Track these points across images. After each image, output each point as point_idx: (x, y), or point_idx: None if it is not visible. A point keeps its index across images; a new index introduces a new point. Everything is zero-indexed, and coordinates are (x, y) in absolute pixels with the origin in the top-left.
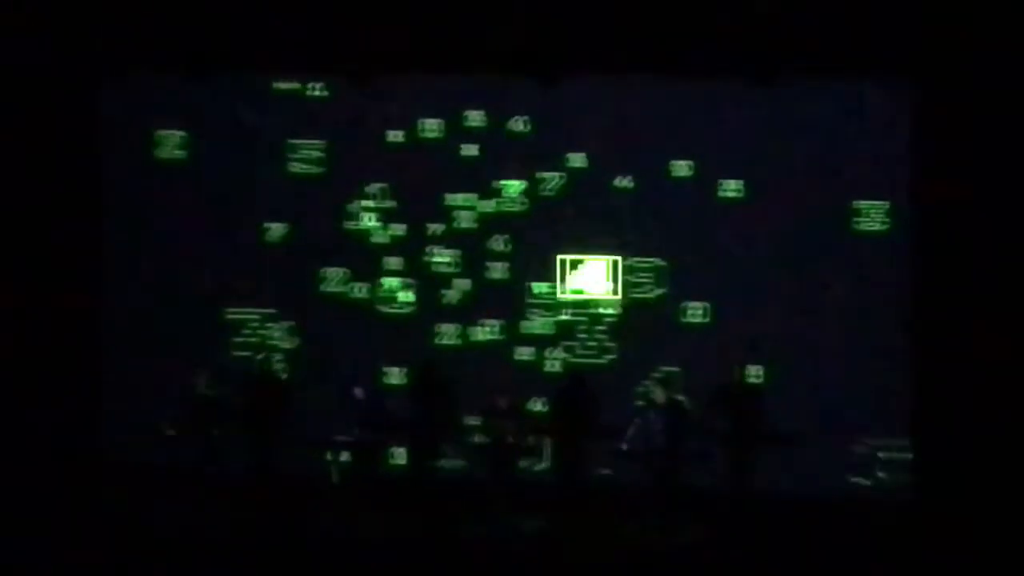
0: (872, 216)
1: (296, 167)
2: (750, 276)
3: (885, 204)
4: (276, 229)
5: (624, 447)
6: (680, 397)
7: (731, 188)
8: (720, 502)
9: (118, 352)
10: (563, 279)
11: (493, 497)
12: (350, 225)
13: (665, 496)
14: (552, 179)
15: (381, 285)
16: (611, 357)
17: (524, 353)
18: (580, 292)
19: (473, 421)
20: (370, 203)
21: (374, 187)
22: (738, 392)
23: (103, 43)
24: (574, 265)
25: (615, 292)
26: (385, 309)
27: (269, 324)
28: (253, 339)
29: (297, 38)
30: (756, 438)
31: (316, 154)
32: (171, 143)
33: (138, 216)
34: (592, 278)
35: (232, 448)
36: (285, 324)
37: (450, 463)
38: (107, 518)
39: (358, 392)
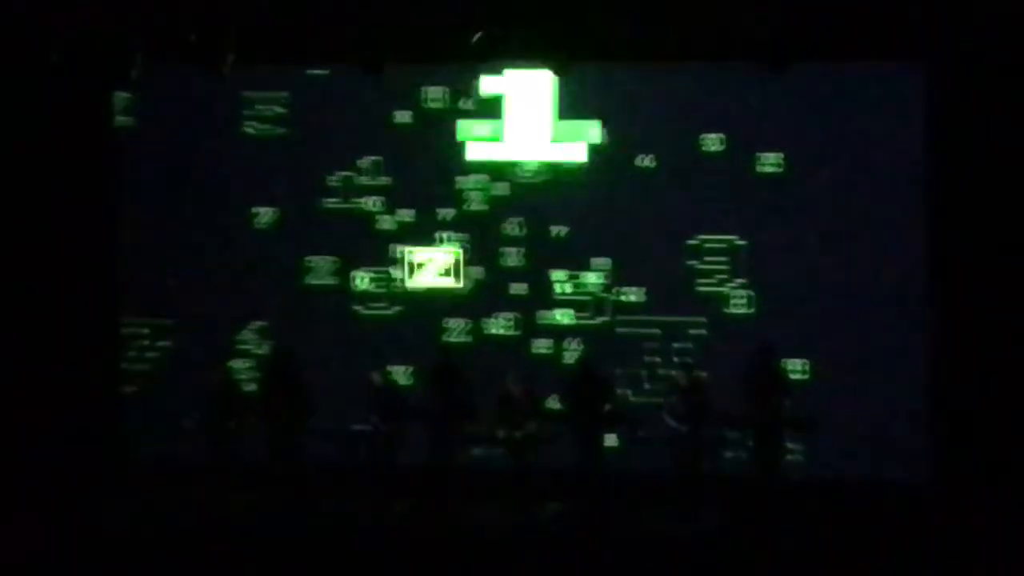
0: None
1: (251, 127)
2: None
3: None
4: (265, 214)
5: (640, 433)
6: (703, 379)
7: (770, 162)
8: (741, 487)
9: (137, 345)
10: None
11: (510, 485)
12: (331, 203)
13: (686, 481)
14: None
15: (390, 276)
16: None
17: (541, 346)
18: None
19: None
20: (364, 179)
21: (366, 160)
22: (761, 377)
23: (113, 35)
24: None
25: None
26: (369, 311)
27: (162, 342)
28: (150, 354)
29: (307, 25)
30: (777, 423)
31: (278, 110)
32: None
33: (152, 205)
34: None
35: (250, 439)
36: (256, 324)
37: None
38: (130, 513)
39: (375, 378)
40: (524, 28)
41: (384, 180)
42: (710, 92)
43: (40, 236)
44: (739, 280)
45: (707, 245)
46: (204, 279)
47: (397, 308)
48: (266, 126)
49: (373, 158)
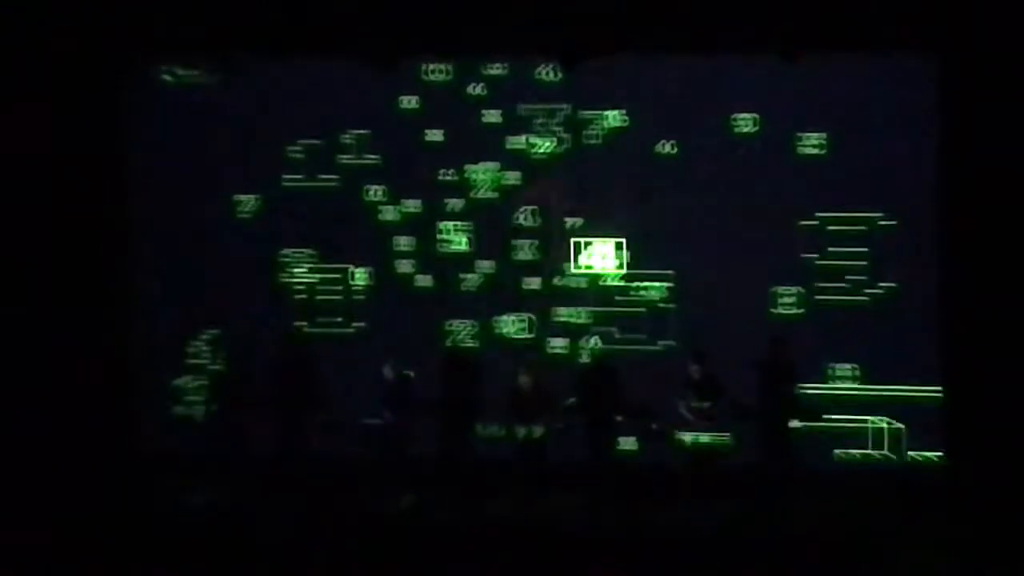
0: None
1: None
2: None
3: None
4: (248, 202)
5: (654, 426)
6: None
7: (812, 143)
8: (754, 478)
9: (149, 343)
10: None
11: (521, 478)
12: (290, 181)
13: (695, 473)
14: (599, 119)
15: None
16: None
17: (556, 345)
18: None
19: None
20: (347, 158)
21: (351, 134)
22: (771, 368)
23: (125, 32)
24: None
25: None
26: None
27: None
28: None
29: (320, 20)
30: (786, 414)
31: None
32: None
33: (164, 201)
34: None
35: (261, 433)
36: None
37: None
38: (140, 507)
39: (387, 371)
40: (533, 20)
41: (374, 159)
42: (724, 80)
43: (46, 230)
44: (885, 284)
45: (831, 228)
46: (210, 273)
47: (403, 305)
48: (192, 72)
49: (359, 131)
